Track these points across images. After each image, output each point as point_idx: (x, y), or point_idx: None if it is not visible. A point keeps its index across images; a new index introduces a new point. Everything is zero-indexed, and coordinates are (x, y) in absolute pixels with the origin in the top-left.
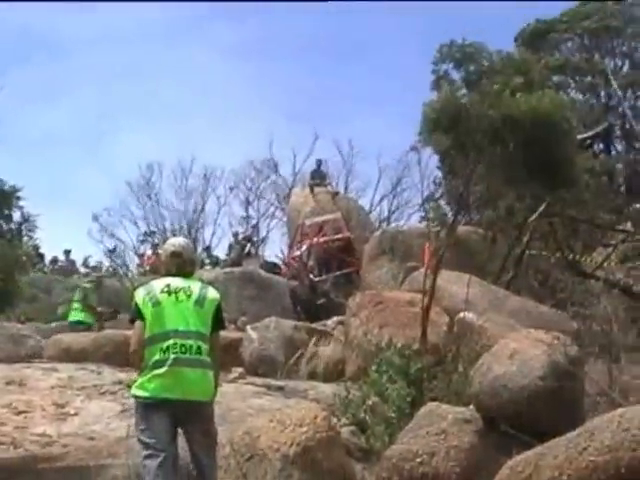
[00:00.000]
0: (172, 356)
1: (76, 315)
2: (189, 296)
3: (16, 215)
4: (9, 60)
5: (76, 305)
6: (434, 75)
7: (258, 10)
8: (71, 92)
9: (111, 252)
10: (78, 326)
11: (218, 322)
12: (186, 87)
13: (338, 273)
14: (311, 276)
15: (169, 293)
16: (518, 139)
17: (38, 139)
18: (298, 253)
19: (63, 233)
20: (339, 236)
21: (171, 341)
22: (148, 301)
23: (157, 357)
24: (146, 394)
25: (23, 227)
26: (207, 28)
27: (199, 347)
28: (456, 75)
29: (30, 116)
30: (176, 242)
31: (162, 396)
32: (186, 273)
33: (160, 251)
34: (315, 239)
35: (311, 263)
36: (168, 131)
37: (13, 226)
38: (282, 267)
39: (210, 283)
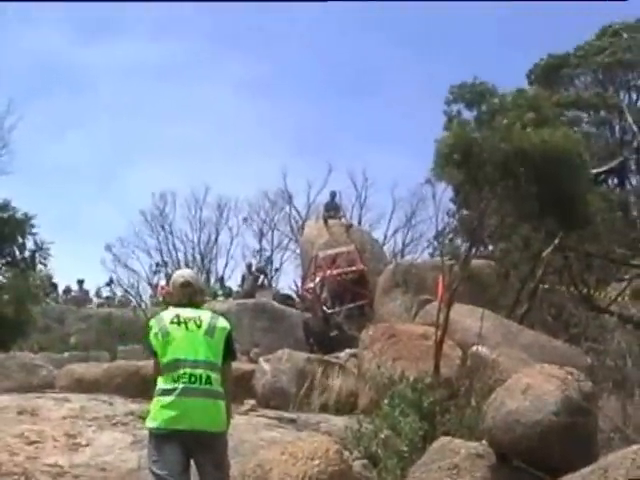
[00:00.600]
0: (181, 386)
1: None
2: (199, 326)
3: (29, 243)
4: (26, 91)
5: None
6: (446, 116)
7: (270, 46)
8: (85, 125)
9: (109, 284)
10: None
11: (229, 352)
12: (199, 121)
13: (351, 305)
14: (324, 308)
15: (179, 323)
16: (529, 173)
17: (51, 170)
18: (312, 285)
19: (76, 263)
20: (353, 268)
21: (181, 371)
22: (158, 332)
23: (166, 387)
24: (157, 425)
25: (37, 255)
26: (220, 64)
27: (209, 377)
28: (468, 114)
29: (44, 147)
30: (184, 273)
31: (171, 427)
32: (196, 303)
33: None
34: (329, 271)
35: (324, 295)
36: (182, 163)
37: (27, 254)
38: (295, 299)
39: (223, 314)
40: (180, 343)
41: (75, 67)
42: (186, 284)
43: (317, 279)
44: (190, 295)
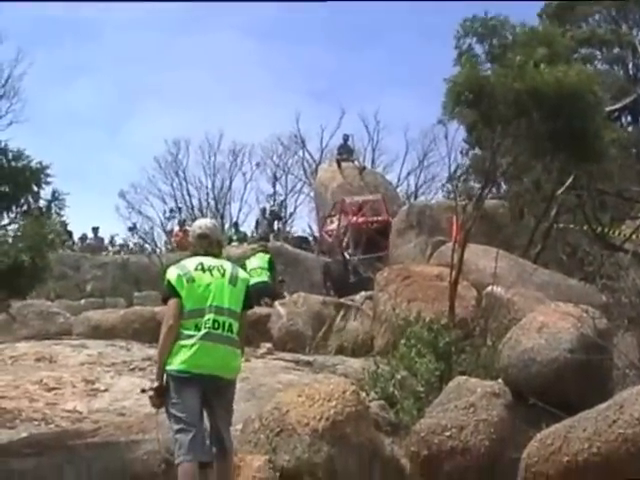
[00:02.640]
0: (204, 330)
1: (262, 276)
2: (223, 274)
3: (44, 192)
4: (34, 41)
5: (260, 270)
6: (457, 50)
7: None
8: (94, 73)
9: (131, 230)
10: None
11: (247, 301)
12: (209, 68)
13: (372, 255)
14: (345, 254)
15: (203, 270)
16: (543, 112)
17: (62, 119)
18: (333, 227)
19: (91, 211)
20: (378, 218)
21: (206, 317)
22: (183, 278)
23: (190, 332)
24: (178, 367)
25: (52, 205)
26: (228, 11)
27: (231, 325)
28: (479, 49)
29: (54, 96)
30: (203, 224)
31: (193, 370)
32: (214, 254)
33: (188, 230)
34: (354, 218)
35: (346, 241)
36: (194, 110)
37: (42, 203)
38: (311, 242)
39: (238, 259)
40: (206, 289)
41: (81, 18)
42: (203, 236)
43: (342, 223)
44: (206, 247)
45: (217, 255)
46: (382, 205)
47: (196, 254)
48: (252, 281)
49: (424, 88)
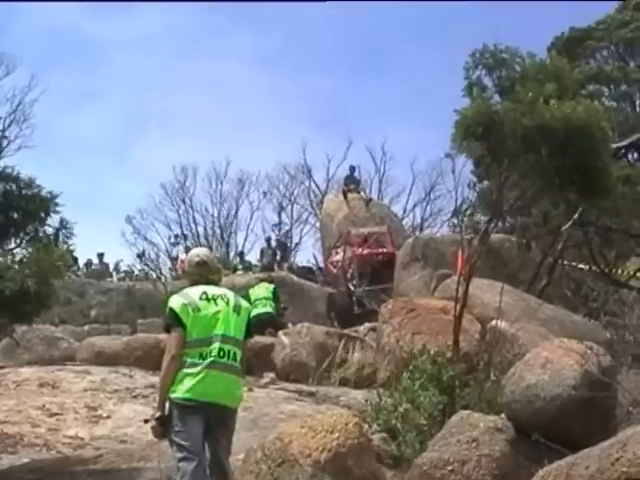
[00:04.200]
0: (210, 359)
1: (266, 307)
2: (227, 303)
3: (52, 220)
4: (42, 64)
5: (264, 300)
6: (466, 81)
7: (283, 19)
8: (102, 99)
9: (140, 256)
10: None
11: (249, 330)
12: (216, 95)
13: (378, 287)
14: (350, 286)
15: (208, 300)
16: (552, 147)
17: (68, 143)
18: (337, 258)
19: (97, 236)
20: (383, 250)
21: (213, 345)
22: (188, 307)
23: (195, 360)
24: (182, 395)
25: (60, 233)
26: (234, 38)
27: (235, 354)
28: (488, 81)
29: (63, 121)
30: (200, 252)
31: (197, 399)
32: (213, 281)
33: (183, 259)
34: (360, 249)
35: (351, 272)
36: (201, 137)
37: (49, 231)
38: (315, 272)
39: (242, 288)
40: (212, 318)
41: (90, 41)
42: (202, 263)
43: (347, 254)
44: (207, 273)
45: (217, 283)
46: (388, 237)
47: (196, 283)
48: (256, 311)
49: (432, 119)
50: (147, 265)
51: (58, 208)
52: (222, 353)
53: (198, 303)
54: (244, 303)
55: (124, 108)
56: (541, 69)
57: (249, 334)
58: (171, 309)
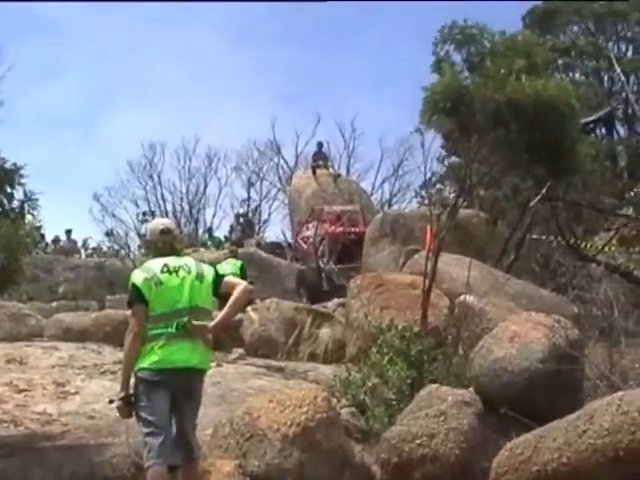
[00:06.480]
0: (173, 330)
1: None
2: (189, 272)
3: (18, 194)
4: (6, 38)
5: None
6: (434, 57)
7: None
8: (68, 71)
9: (108, 235)
10: None
11: (217, 290)
12: (186, 68)
13: (348, 266)
14: (320, 262)
15: (170, 272)
16: (521, 123)
17: (34, 118)
18: (309, 233)
19: (64, 213)
20: (356, 229)
21: (177, 318)
22: (150, 281)
23: (159, 331)
24: (150, 366)
25: (25, 205)
26: (202, 12)
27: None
28: (457, 57)
29: (27, 95)
30: (163, 220)
31: (167, 367)
32: (176, 250)
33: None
34: (332, 227)
35: (322, 249)
36: (170, 111)
37: (15, 204)
38: (285, 248)
39: (211, 264)
40: (175, 291)
41: (55, 13)
42: (166, 231)
43: (319, 231)
44: (172, 241)
45: (179, 252)
46: (360, 216)
47: (160, 252)
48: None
49: (400, 94)
50: (116, 243)
51: (23, 180)
52: (183, 324)
53: (160, 277)
54: (206, 269)
55: (91, 82)
56: (511, 45)
57: (218, 294)
58: (133, 284)
